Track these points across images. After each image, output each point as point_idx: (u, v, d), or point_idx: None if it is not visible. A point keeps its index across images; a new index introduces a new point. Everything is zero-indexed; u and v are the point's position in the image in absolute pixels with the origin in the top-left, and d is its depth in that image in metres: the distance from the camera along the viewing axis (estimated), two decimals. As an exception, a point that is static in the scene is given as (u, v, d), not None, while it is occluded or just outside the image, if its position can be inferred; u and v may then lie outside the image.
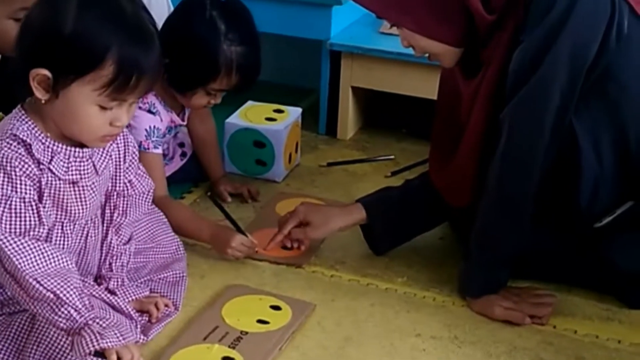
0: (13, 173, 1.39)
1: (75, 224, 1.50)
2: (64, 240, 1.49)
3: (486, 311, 1.66)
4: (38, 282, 1.34)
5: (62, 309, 1.34)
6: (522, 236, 1.63)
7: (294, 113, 2.21)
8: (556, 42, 1.47)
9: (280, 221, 1.85)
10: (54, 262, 1.38)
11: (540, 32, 1.48)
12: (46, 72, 1.35)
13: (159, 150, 1.91)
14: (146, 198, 1.65)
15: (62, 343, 1.41)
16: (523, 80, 1.50)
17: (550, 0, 1.46)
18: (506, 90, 1.53)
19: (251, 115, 2.18)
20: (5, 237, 1.36)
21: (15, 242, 1.36)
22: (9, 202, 1.38)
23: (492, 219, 1.62)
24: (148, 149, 1.87)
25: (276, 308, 1.65)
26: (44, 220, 1.41)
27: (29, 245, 1.36)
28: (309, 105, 2.51)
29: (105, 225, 1.58)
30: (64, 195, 1.46)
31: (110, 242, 1.58)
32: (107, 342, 1.33)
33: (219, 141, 2.15)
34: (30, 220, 1.39)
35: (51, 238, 1.46)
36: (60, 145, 1.44)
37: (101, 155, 1.51)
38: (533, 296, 1.68)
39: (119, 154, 1.56)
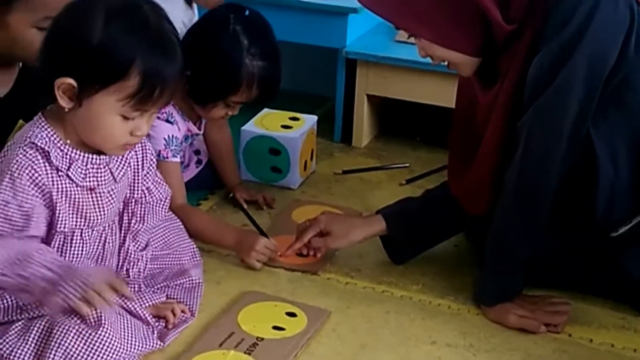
0: (19, 180, 1.40)
1: (93, 230, 1.52)
2: (82, 246, 1.50)
3: (501, 319, 1.66)
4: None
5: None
6: (536, 243, 1.63)
7: (309, 121, 2.22)
8: (574, 52, 1.47)
9: (300, 229, 1.85)
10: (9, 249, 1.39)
11: (559, 42, 1.48)
12: (72, 81, 1.36)
13: (177, 159, 1.92)
14: (163, 205, 1.66)
15: (80, 348, 1.42)
16: (541, 89, 1.51)
17: (569, 10, 1.47)
18: (524, 99, 1.54)
19: (267, 122, 2.19)
20: None
21: None
22: (4, 208, 1.40)
23: (508, 226, 1.62)
24: (167, 157, 1.88)
25: (292, 315, 1.66)
26: (38, 226, 1.42)
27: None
28: (324, 112, 2.52)
29: (122, 231, 1.60)
30: (81, 201, 1.47)
31: (128, 249, 1.60)
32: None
33: (235, 148, 2.16)
34: (17, 225, 1.41)
35: (70, 244, 1.48)
36: (78, 152, 1.45)
37: (119, 163, 1.52)
38: (548, 304, 1.68)
39: (137, 162, 1.57)
